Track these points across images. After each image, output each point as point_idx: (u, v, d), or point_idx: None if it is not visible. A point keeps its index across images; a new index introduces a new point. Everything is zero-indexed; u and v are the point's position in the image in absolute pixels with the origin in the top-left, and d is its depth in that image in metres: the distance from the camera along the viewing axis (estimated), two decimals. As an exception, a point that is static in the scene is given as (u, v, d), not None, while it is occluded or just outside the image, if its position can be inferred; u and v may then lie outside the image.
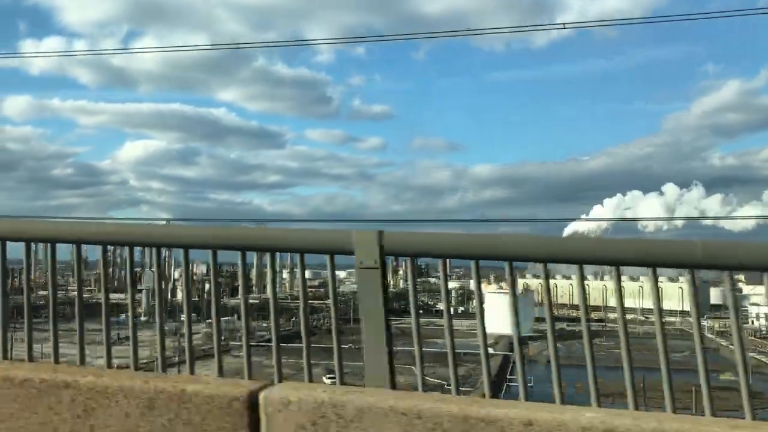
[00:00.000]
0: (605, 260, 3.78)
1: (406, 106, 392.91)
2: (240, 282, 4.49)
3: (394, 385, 4.03)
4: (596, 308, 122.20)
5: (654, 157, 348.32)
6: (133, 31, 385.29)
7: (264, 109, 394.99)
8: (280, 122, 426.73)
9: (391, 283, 4.63)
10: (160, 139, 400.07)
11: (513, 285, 4.04)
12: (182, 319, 5.03)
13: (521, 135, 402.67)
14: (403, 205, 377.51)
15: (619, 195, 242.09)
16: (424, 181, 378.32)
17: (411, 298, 4.27)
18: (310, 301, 4.60)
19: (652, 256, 3.73)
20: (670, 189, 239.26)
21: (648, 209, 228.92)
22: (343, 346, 4.30)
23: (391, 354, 4.05)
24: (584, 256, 3.85)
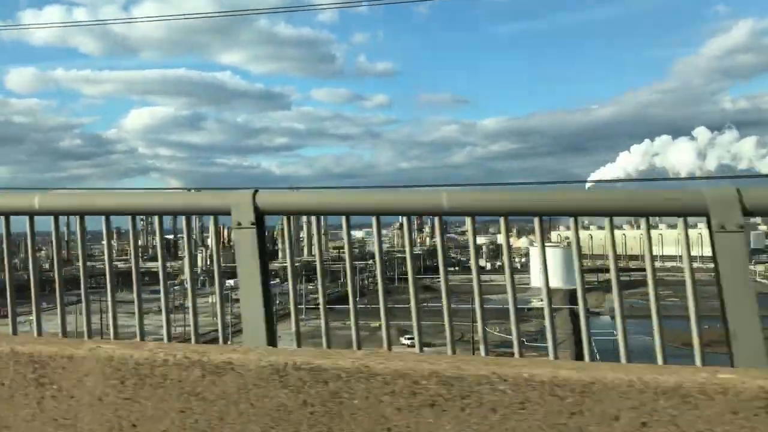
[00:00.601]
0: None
1: (411, 62, 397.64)
2: (286, 245, 4.48)
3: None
4: (634, 257, 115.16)
5: (663, 103, 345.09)
6: None
7: (268, 70, 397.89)
8: (285, 83, 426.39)
9: (418, 240, 4.61)
10: (166, 105, 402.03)
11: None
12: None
13: (529, 87, 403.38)
14: (411, 162, 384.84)
15: (647, 141, 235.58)
16: (431, 137, 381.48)
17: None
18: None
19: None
20: (702, 132, 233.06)
21: (679, 154, 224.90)
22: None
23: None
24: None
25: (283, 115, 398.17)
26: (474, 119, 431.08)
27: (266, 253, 4.08)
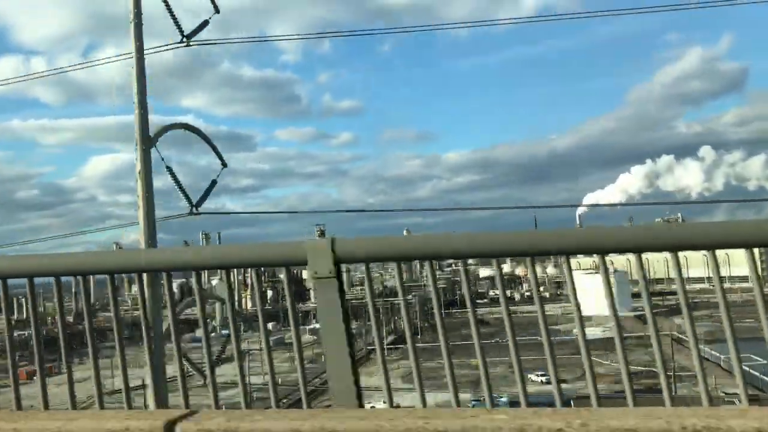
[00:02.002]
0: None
1: (376, 99, 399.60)
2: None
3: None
4: (659, 280, 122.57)
5: (621, 130, 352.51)
6: (92, 43, 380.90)
7: (233, 113, 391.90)
8: (251, 125, 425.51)
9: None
10: (127, 152, 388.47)
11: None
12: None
13: (491, 119, 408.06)
14: (376, 198, 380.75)
15: (649, 161, 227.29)
16: (396, 171, 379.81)
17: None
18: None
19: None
20: (708, 152, 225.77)
21: (686, 175, 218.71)
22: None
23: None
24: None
25: (248, 156, 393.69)
26: (438, 153, 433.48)
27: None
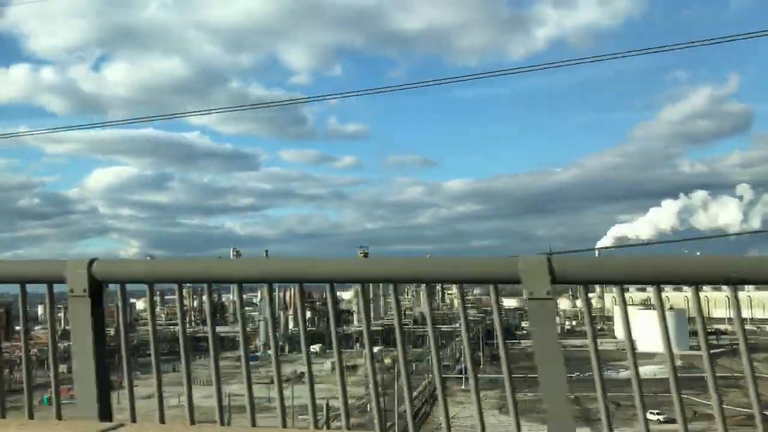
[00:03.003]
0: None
1: (382, 124, 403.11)
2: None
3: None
4: (720, 320, 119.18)
5: (623, 166, 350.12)
6: (104, 55, 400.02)
7: (239, 131, 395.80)
8: (255, 144, 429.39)
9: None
10: (132, 165, 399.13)
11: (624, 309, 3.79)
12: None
13: (494, 150, 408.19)
14: (376, 223, 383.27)
15: (682, 196, 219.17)
16: (397, 197, 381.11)
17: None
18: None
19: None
20: (745, 189, 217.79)
21: (724, 212, 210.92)
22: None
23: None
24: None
25: (251, 176, 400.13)
26: (440, 180, 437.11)
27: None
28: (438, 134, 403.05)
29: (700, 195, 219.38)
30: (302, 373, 4.02)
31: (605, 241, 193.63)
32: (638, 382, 3.58)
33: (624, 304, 3.72)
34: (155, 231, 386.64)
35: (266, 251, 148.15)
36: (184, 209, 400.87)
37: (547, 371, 3.64)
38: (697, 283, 3.58)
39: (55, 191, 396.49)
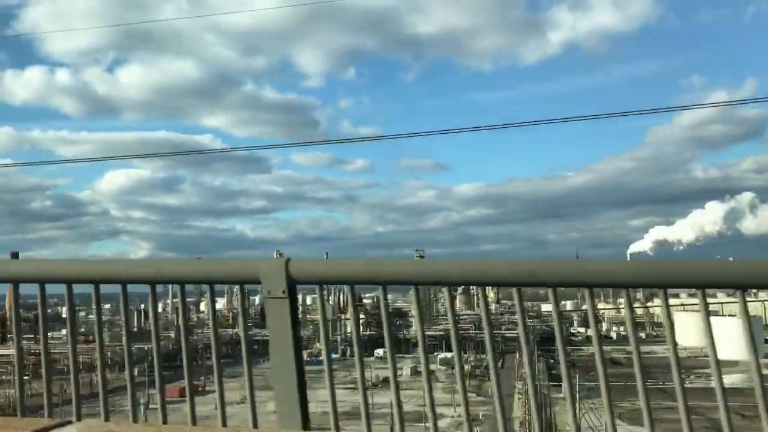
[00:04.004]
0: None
1: (395, 127, 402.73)
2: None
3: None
4: None
5: (637, 170, 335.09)
6: (118, 58, 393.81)
7: (252, 134, 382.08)
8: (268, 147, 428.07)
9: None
10: (144, 168, 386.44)
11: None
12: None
13: (507, 154, 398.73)
14: (387, 226, 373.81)
15: (727, 196, 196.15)
16: (408, 201, 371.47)
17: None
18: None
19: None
20: None
21: None
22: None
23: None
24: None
25: (263, 179, 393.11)
26: (451, 184, 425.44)
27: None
28: (451, 138, 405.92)
29: (744, 196, 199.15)
30: (385, 379, 4.21)
31: (643, 245, 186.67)
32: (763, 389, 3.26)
33: (707, 312, 3.47)
34: (165, 234, 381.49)
35: (279, 253, 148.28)
36: (195, 212, 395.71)
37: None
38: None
39: (67, 193, 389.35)
